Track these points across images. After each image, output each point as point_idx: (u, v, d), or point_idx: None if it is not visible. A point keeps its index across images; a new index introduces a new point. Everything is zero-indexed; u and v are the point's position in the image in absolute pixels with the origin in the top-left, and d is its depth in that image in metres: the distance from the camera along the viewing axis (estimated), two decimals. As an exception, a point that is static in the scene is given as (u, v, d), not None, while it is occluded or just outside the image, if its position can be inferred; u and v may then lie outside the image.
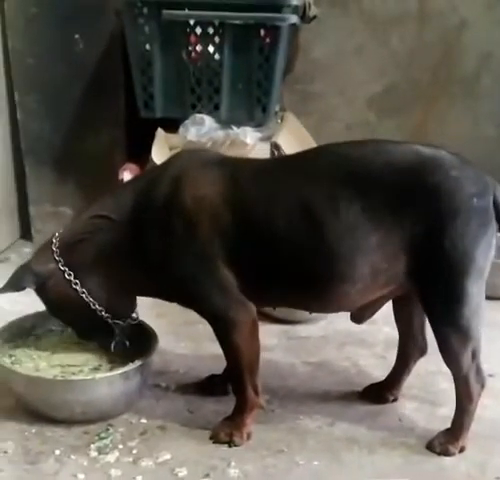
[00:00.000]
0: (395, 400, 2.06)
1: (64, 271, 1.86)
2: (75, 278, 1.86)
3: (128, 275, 1.87)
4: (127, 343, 2.00)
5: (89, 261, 1.86)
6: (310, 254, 1.74)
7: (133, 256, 1.84)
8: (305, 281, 1.78)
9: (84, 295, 1.87)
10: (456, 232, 1.70)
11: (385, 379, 2.08)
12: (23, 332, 2.10)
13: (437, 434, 1.88)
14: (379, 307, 1.92)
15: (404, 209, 1.72)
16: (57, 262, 1.86)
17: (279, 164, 1.93)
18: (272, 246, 1.76)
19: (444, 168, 1.73)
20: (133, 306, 2.00)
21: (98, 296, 1.89)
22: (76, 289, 1.87)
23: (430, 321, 1.82)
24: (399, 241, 1.73)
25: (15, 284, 1.88)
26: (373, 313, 1.94)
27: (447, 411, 1.94)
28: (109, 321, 1.93)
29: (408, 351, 2.02)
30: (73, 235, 1.89)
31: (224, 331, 1.83)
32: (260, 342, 1.86)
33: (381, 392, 2.06)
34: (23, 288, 1.88)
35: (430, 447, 1.86)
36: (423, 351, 2.01)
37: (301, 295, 1.84)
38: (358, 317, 1.96)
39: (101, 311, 1.90)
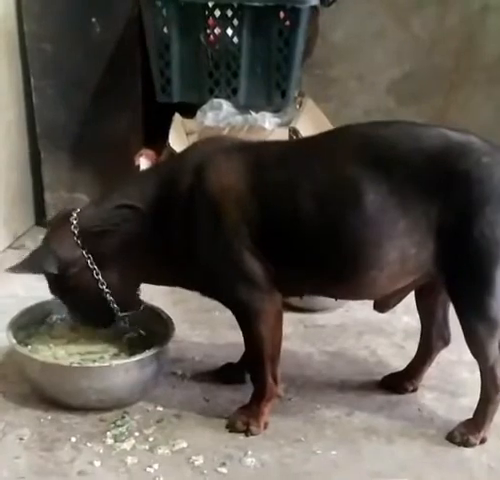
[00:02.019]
0: (415, 390, 2.03)
1: (88, 260, 1.82)
2: (97, 268, 1.82)
3: (151, 266, 1.84)
4: (139, 332, 2.01)
5: (113, 252, 1.82)
6: (337, 238, 1.71)
7: (158, 247, 1.81)
8: (332, 267, 1.76)
9: (103, 287, 1.84)
10: (486, 220, 1.67)
11: (405, 368, 2.05)
12: (37, 320, 2.08)
13: (458, 424, 1.85)
14: (403, 296, 1.89)
15: (433, 195, 1.68)
16: (82, 249, 1.82)
17: (303, 146, 1.89)
18: (299, 231, 1.73)
19: (476, 154, 1.69)
20: (138, 295, 1.98)
21: (114, 288, 1.85)
22: (97, 280, 1.83)
23: (457, 311, 1.79)
24: (427, 227, 1.69)
25: (35, 266, 1.82)
26: (397, 302, 1.91)
27: (468, 401, 1.92)
28: (118, 314, 1.90)
29: (431, 341, 1.99)
30: (97, 223, 1.82)
31: (248, 320, 1.80)
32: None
33: (401, 382, 2.03)
34: (43, 272, 1.83)
35: (450, 438, 1.83)
36: (446, 341, 1.98)
37: (328, 281, 1.81)
38: (382, 306, 1.93)
39: (113, 303, 1.87)
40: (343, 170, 1.71)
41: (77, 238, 1.82)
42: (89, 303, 1.88)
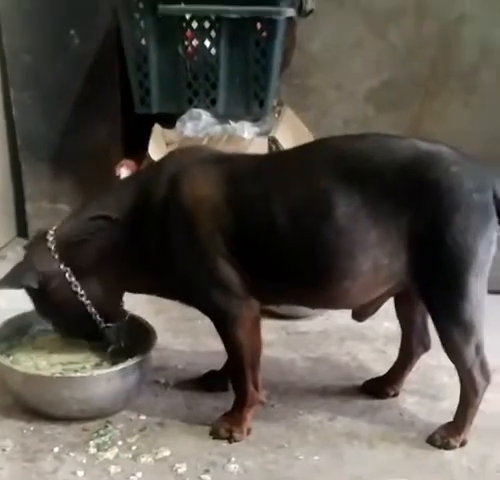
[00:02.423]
0: (396, 395, 2.04)
1: (66, 273, 1.84)
2: (76, 280, 1.84)
3: (129, 275, 1.85)
4: (122, 344, 2.00)
5: (90, 263, 1.84)
6: (311, 250, 1.73)
7: (135, 257, 1.82)
8: (306, 278, 1.77)
9: (83, 298, 1.85)
10: (456, 228, 1.69)
11: (386, 374, 2.07)
12: (19, 331, 2.08)
13: (438, 428, 1.87)
14: (380, 305, 1.91)
15: (404, 205, 1.70)
16: (59, 263, 1.84)
17: (278, 160, 1.92)
18: (273, 243, 1.75)
19: (444, 164, 1.71)
20: (122, 306, 1.98)
21: (96, 299, 1.87)
22: (76, 292, 1.84)
23: (432, 317, 1.81)
24: (399, 237, 1.71)
25: (16, 281, 1.84)
26: (374, 311, 1.93)
27: (448, 405, 1.94)
28: (101, 325, 1.90)
29: (411, 347, 2.01)
30: (73, 235, 1.85)
31: (226, 327, 1.81)
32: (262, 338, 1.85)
33: (382, 387, 2.05)
34: (23, 286, 1.85)
35: (431, 441, 1.85)
36: (426, 347, 2.01)
37: (303, 292, 1.83)
38: (359, 315, 1.95)
39: (96, 315, 1.88)
40: (318, 183, 1.73)
41: (55, 252, 1.83)
42: (73, 317, 1.89)
